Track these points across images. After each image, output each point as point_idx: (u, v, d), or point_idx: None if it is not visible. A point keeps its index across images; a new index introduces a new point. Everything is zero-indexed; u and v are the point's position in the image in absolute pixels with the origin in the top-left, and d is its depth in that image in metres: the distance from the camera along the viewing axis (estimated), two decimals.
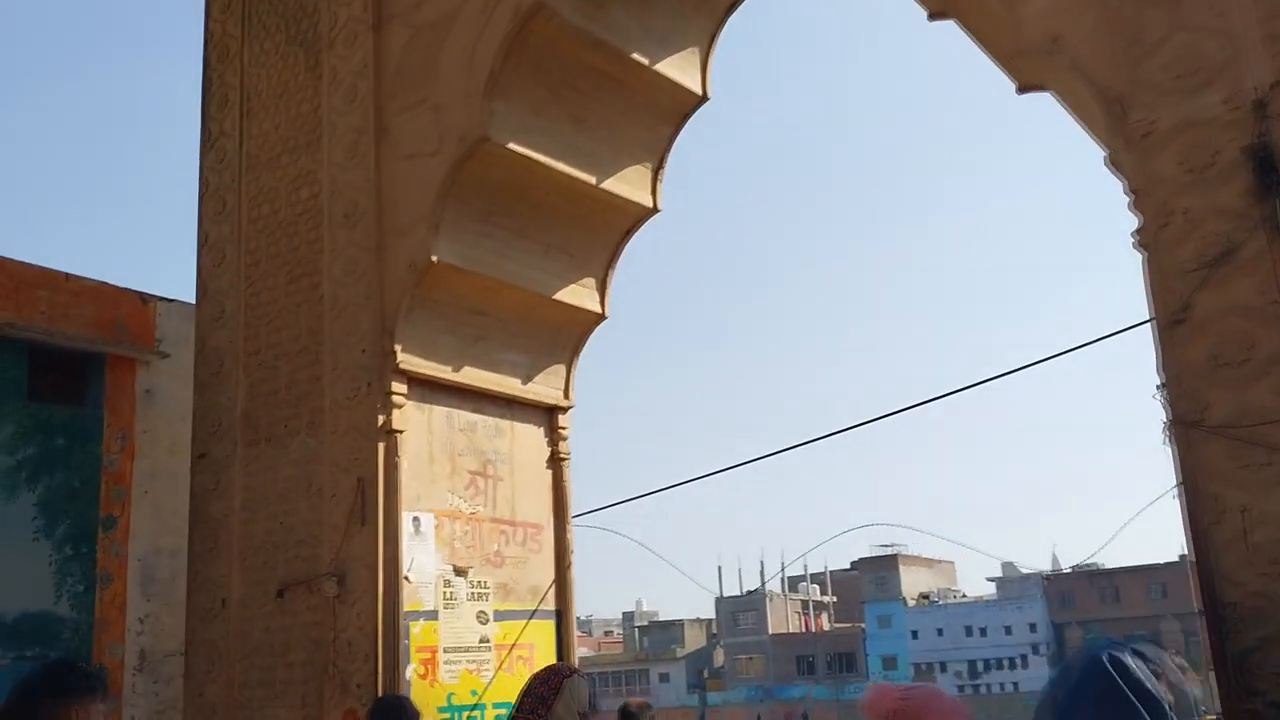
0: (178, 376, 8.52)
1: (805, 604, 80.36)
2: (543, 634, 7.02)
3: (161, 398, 8.90)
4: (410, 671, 6.12)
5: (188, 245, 7.61)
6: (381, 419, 6.29)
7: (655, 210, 7.17)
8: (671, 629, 79.36)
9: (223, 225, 7.42)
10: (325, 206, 6.80)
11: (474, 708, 6.33)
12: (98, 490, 8.54)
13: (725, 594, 74.51)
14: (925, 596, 73.40)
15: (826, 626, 75.39)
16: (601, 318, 7.34)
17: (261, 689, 6.33)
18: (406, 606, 6.18)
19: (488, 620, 6.59)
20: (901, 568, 72.68)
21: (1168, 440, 4.27)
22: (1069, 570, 69.87)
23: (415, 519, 6.39)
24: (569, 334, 7.40)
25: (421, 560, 6.37)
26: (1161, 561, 66.53)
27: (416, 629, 6.25)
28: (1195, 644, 63.19)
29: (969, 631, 69.09)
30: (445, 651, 6.34)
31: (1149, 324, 4.50)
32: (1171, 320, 4.20)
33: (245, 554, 6.70)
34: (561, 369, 7.42)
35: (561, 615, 7.22)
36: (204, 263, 7.49)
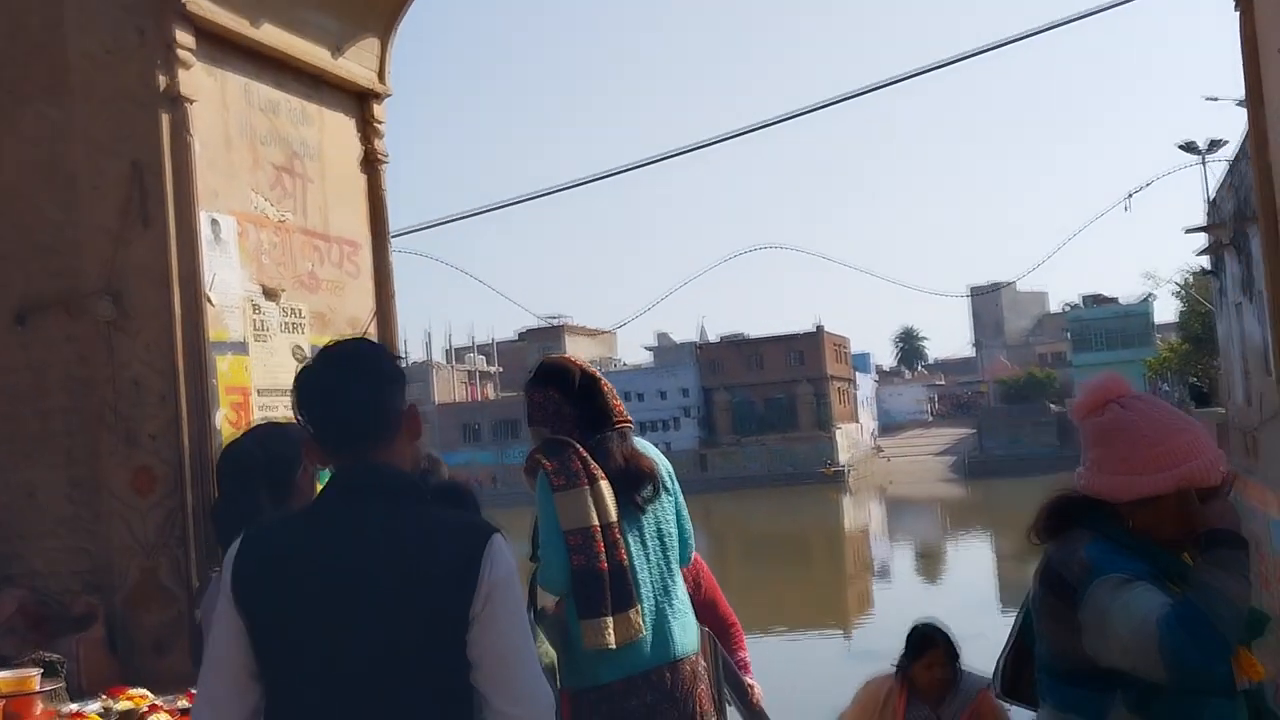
0: None
1: (471, 374, 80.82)
2: None
3: None
4: (220, 418, 4.66)
5: None
6: (164, 81, 4.52)
7: None
8: None
9: None
10: None
11: None
12: None
13: None
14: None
15: (493, 396, 76.36)
16: None
17: (4, 447, 4.64)
18: (211, 336, 4.65)
19: (304, 356, 5.18)
20: (567, 338, 74.33)
21: None
22: (718, 340, 74.44)
23: (214, 221, 4.78)
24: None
25: (225, 277, 4.81)
26: (800, 332, 72.22)
27: (224, 365, 4.76)
28: (825, 405, 70.15)
29: (628, 396, 71.74)
30: (259, 394, 4.90)
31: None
32: None
33: None
34: (375, 44, 5.82)
35: None
36: None
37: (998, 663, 2.51)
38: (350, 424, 1.98)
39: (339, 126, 5.71)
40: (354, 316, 5.66)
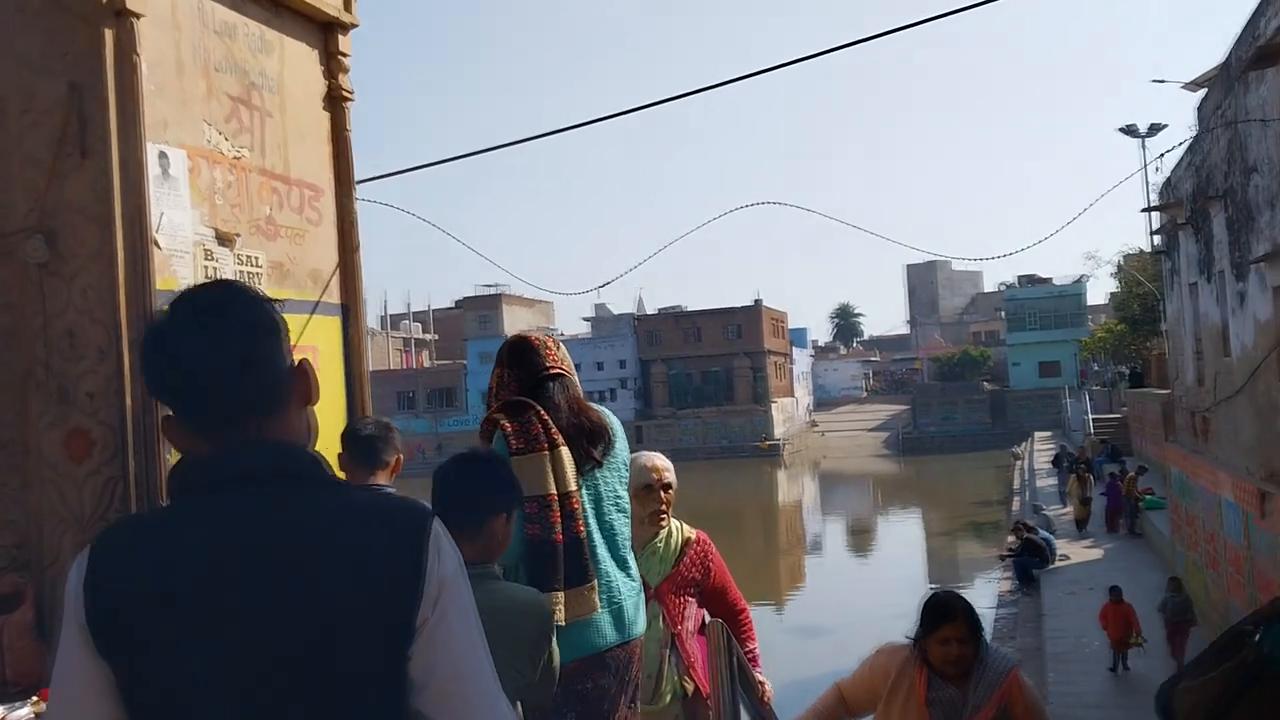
0: None
1: (407, 341, 79.56)
2: (327, 335, 5.21)
3: None
4: None
5: None
6: None
7: None
8: None
9: None
10: None
11: None
12: None
13: None
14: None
15: (428, 363, 75.27)
16: None
17: None
18: (158, 284, 4.13)
19: None
20: (504, 307, 73.49)
21: None
22: (656, 312, 74.11)
23: (162, 154, 4.24)
24: None
25: (174, 218, 4.27)
26: (738, 306, 72.16)
27: None
28: (761, 379, 70.28)
29: None
30: None
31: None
32: None
33: None
34: None
35: (349, 311, 5.40)
36: None
37: (1192, 689, 2.13)
38: (224, 392, 1.52)
39: (301, 58, 5.17)
40: (315, 269, 5.15)
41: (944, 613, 3.82)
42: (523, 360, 3.36)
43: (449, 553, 1.53)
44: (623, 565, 3.26)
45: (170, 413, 1.54)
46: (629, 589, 3.26)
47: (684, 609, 3.75)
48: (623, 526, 3.31)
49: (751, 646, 3.93)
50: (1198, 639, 13.21)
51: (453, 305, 79.82)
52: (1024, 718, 3.75)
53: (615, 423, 3.40)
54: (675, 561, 3.80)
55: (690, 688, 3.71)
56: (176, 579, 1.44)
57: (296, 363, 1.62)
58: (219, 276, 4.50)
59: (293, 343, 4.62)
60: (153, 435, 4.00)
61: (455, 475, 2.65)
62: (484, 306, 73.85)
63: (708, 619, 3.74)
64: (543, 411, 3.19)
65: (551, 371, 3.32)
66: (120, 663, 1.43)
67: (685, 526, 3.91)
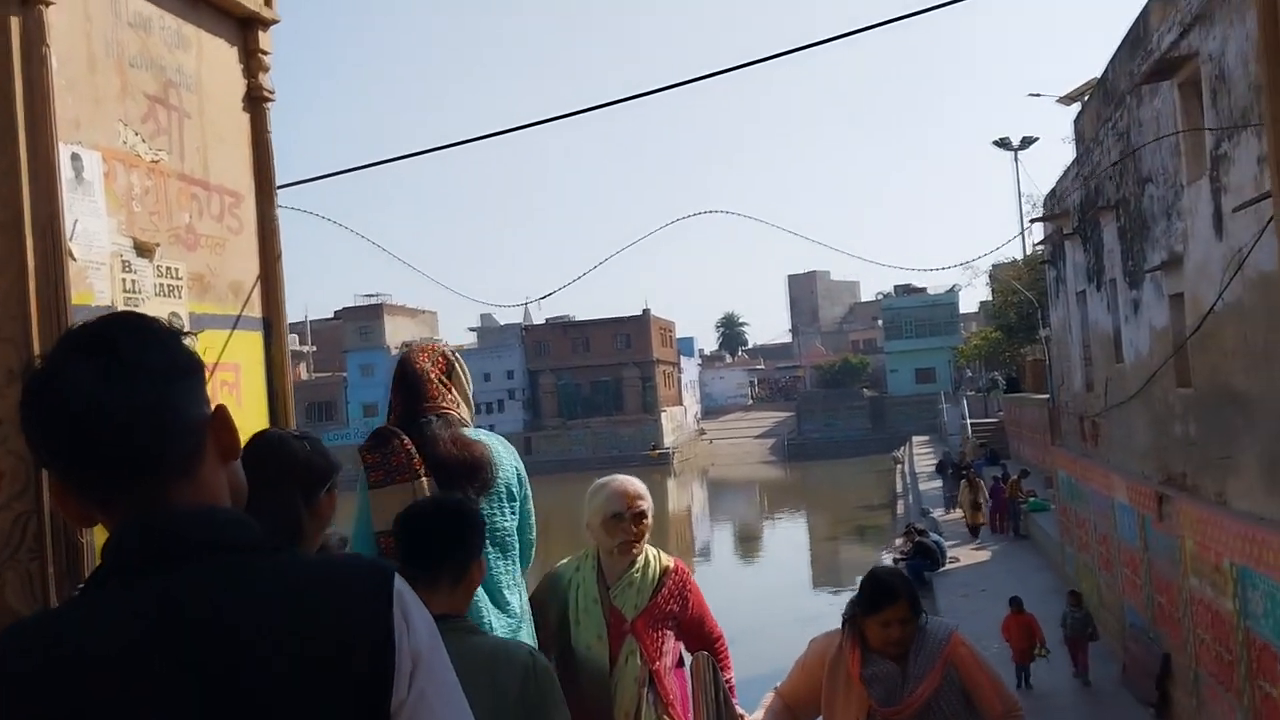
0: None
1: None
2: (248, 352, 4.84)
3: None
4: None
5: None
6: None
7: None
8: None
9: None
10: None
11: None
12: None
13: None
14: (408, 345, 73.83)
15: (305, 376, 73.36)
16: None
17: None
18: (73, 299, 3.75)
19: (183, 326, 4.32)
20: (386, 317, 72.19)
21: None
22: (544, 323, 73.75)
23: (75, 156, 3.87)
24: None
25: (89, 226, 3.90)
26: (627, 315, 72.35)
27: None
28: (650, 388, 70.48)
29: None
30: None
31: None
32: None
33: None
34: None
35: (271, 326, 5.05)
36: None
37: None
38: (123, 450, 1.25)
39: (220, 54, 4.81)
40: (236, 280, 4.79)
41: (886, 594, 3.60)
42: (406, 390, 3.31)
43: (418, 617, 1.29)
44: (499, 602, 3.12)
45: (62, 479, 1.28)
46: (504, 626, 3.09)
47: (662, 643, 3.55)
48: (499, 562, 3.15)
49: (728, 676, 3.76)
50: (1100, 653, 13.57)
51: (332, 316, 77.96)
52: (971, 680, 3.59)
53: (501, 453, 3.26)
54: (653, 594, 3.60)
55: None
56: (97, 677, 1.18)
57: (213, 410, 1.35)
58: (138, 289, 4.14)
59: (214, 361, 4.21)
60: None
61: (435, 523, 2.53)
62: (364, 317, 72.34)
63: (685, 653, 3.57)
64: (407, 441, 3.10)
65: (427, 410, 3.22)
66: None
67: (663, 555, 3.71)
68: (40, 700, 1.18)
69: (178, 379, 1.31)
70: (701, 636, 3.71)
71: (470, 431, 3.21)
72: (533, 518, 3.39)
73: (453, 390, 3.32)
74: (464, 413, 3.31)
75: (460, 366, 3.37)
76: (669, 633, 3.58)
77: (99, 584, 1.27)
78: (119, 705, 1.18)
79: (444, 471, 3.06)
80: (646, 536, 3.65)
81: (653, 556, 3.68)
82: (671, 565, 3.71)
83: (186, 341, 1.37)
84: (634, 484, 3.63)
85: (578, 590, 3.58)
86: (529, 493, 3.36)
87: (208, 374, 4.25)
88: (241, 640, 1.20)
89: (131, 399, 1.24)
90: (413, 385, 3.29)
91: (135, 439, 1.25)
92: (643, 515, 3.60)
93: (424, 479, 3.05)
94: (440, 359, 3.38)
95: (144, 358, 1.28)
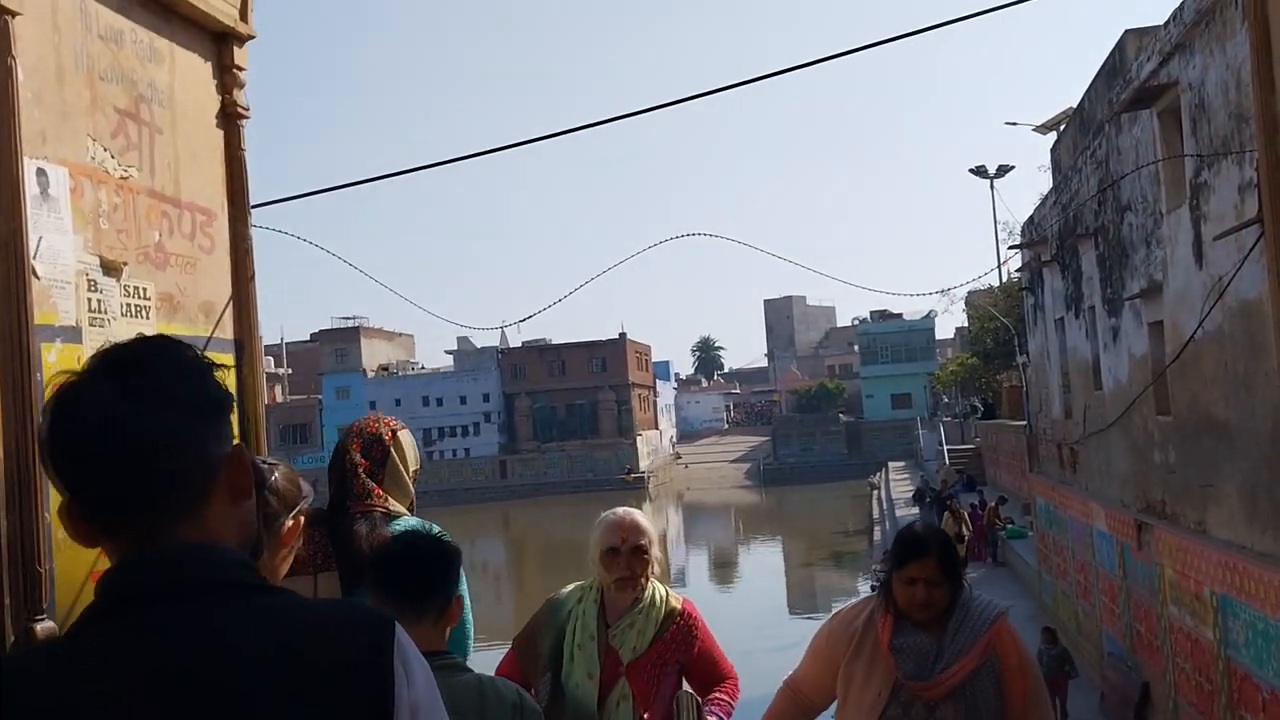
0: None
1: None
2: (220, 374, 4.70)
3: None
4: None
5: None
6: None
7: None
8: None
9: None
10: None
11: None
12: None
13: None
14: (385, 368, 73.51)
15: (281, 398, 72.79)
16: None
17: None
18: (36, 318, 3.61)
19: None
20: (363, 340, 71.83)
21: None
22: (521, 346, 73.58)
23: (41, 171, 3.74)
24: None
25: (54, 243, 3.77)
26: (603, 339, 72.29)
27: (51, 355, 3.70)
28: (626, 412, 70.33)
29: (426, 401, 70.59)
30: None
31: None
32: None
33: None
34: None
35: (243, 348, 4.92)
36: None
37: None
38: (133, 477, 1.21)
39: (193, 70, 4.70)
40: (207, 301, 4.66)
41: (915, 547, 3.22)
42: (337, 480, 3.25)
43: (417, 668, 1.26)
44: None
45: (71, 503, 1.24)
46: None
47: (657, 689, 3.32)
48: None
49: (725, 712, 3.55)
50: (1078, 682, 13.43)
51: (308, 338, 77.47)
52: (1017, 671, 3.18)
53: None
54: (654, 639, 3.37)
55: None
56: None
57: (231, 448, 1.32)
58: (104, 309, 4.01)
59: None
60: (30, 489, 3.48)
61: (422, 559, 2.45)
62: (341, 339, 71.92)
63: (682, 687, 3.38)
64: (317, 532, 3.05)
65: (352, 509, 3.14)
66: None
67: (672, 595, 3.47)
68: None
69: (204, 412, 1.28)
70: (712, 678, 3.50)
71: (400, 522, 3.08)
72: (469, 613, 2.99)
73: (386, 479, 3.21)
74: (395, 504, 3.18)
75: (398, 451, 3.26)
76: (668, 678, 3.38)
77: (94, 620, 1.22)
78: None
79: (354, 571, 2.96)
80: (651, 573, 3.43)
81: (660, 597, 3.44)
82: (679, 607, 3.47)
83: (218, 375, 1.34)
84: (631, 517, 3.41)
85: (576, 623, 3.38)
86: (466, 588, 2.88)
87: None
88: (233, 689, 1.16)
89: (152, 426, 1.22)
90: (342, 478, 3.24)
91: (148, 467, 1.22)
92: (641, 549, 3.38)
93: (329, 572, 3.02)
94: (376, 446, 3.25)
95: (172, 386, 1.26)
